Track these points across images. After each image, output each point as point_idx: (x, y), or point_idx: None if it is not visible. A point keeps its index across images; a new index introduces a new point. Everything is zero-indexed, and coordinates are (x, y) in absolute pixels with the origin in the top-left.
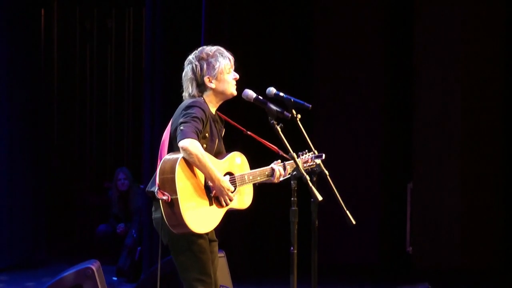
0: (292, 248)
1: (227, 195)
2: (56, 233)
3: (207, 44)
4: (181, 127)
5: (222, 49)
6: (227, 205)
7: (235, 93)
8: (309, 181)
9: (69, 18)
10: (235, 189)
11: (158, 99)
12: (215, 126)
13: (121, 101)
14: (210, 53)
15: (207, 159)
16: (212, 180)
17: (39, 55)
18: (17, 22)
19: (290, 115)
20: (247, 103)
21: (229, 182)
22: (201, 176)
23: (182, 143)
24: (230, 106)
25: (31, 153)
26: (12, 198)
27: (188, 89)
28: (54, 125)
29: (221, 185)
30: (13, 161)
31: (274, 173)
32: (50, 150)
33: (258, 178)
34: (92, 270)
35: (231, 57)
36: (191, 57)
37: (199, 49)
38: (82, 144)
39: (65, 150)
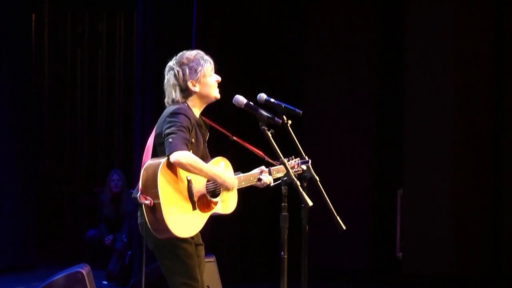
0: (282, 253)
1: (232, 186)
2: (46, 236)
3: (199, 48)
4: (170, 139)
5: (201, 52)
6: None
7: (218, 96)
8: (299, 187)
9: (60, 22)
10: (220, 193)
11: (149, 103)
12: (200, 131)
13: (112, 105)
14: (191, 57)
15: (201, 162)
16: (214, 179)
17: (30, 59)
18: (8, 27)
19: (281, 121)
20: (238, 108)
21: (227, 175)
22: (184, 181)
23: (173, 157)
24: (220, 111)
25: (22, 156)
26: (2, 201)
27: (171, 95)
28: (45, 128)
29: (224, 179)
30: (3, 164)
31: (262, 182)
32: (41, 153)
33: (243, 183)
34: (82, 274)
35: (211, 60)
36: (171, 63)
37: (179, 54)
38: (72, 147)
39: (56, 154)
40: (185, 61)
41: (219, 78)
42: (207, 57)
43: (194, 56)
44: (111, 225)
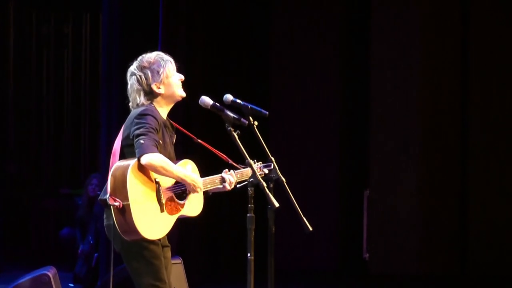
0: (249, 254)
1: (198, 187)
2: (12, 239)
3: (165, 50)
4: (141, 141)
5: (161, 53)
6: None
7: (183, 94)
8: (265, 188)
9: (25, 23)
10: (186, 195)
11: (115, 105)
12: (167, 133)
13: (78, 106)
14: (151, 60)
15: (172, 164)
16: (184, 181)
17: None
18: None
19: (247, 122)
20: (204, 109)
21: (196, 176)
22: (152, 183)
23: (144, 160)
24: (186, 112)
25: None
26: None
27: (136, 100)
28: (10, 130)
29: (192, 180)
30: None
31: (225, 182)
32: (6, 155)
33: (209, 186)
34: (49, 276)
35: (172, 60)
36: (132, 68)
37: (139, 58)
38: (38, 149)
39: (21, 156)
40: (146, 64)
41: (182, 77)
42: (167, 57)
43: (154, 58)
44: (85, 228)
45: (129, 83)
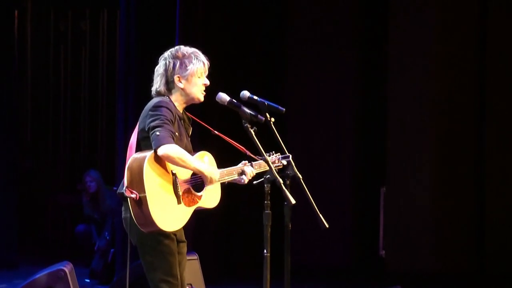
0: (265, 251)
1: (215, 179)
2: (28, 234)
3: (181, 45)
4: (157, 133)
5: (199, 52)
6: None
7: (202, 99)
8: (282, 185)
9: (43, 19)
10: (203, 187)
11: (132, 101)
12: (183, 125)
13: (95, 103)
14: (186, 53)
15: (189, 156)
16: (201, 173)
17: (13, 56)
18: None
19: (264, 118)
20: (222, 106)
21: (213, 169)
22: (169, 174)
23: (161, 151)
24: (205, 107)
25: (3, 153)
26: None
27: (157, 84)
28: (28, 126)
29: (210, 173)
30: None
31: (245, 174)
32: (23, 151)
33: (226, 177)
34: (65, 272)
35: (206, 62)
36: (166, 53)
37: (177, 47)
38: (55, 145)
39: (38, 151)
40: (179, 55)
41: (208, 82)
42: (202, 58)
43: (190, 53)
44: (97, 225)
45: (158, 65)
